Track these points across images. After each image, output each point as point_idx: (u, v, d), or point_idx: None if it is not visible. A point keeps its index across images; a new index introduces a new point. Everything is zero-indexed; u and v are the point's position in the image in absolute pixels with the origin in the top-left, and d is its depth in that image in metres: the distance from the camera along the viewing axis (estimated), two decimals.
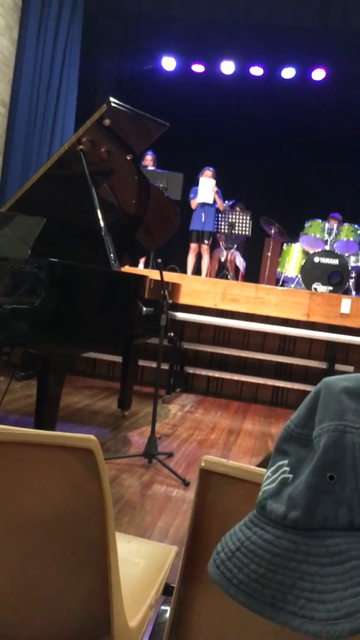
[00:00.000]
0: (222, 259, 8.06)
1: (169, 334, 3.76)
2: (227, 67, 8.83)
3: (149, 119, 3.74)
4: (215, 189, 7.46)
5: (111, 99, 3.37)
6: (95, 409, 4.86)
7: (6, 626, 0.87)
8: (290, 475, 0.52)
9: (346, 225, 7.18)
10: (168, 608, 0.94)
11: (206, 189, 7.42)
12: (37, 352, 3.05)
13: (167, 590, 1.12)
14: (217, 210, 7.60)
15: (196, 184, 7.58)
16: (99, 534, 0.82)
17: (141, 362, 5.22)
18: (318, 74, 8.73)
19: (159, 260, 3.36)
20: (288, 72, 8.79)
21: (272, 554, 0.48)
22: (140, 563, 1.15)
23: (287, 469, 0.53)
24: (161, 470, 3.42)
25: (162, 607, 1.07)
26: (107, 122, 3.43)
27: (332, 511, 0.47)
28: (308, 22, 7.38)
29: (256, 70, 8.90)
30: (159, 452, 3.52)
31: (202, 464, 0.75)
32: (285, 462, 0.54)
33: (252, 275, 8.77)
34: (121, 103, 3.44)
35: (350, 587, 0.44)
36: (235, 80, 8.95)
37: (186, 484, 3.23)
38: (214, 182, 7.46)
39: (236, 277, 8.17)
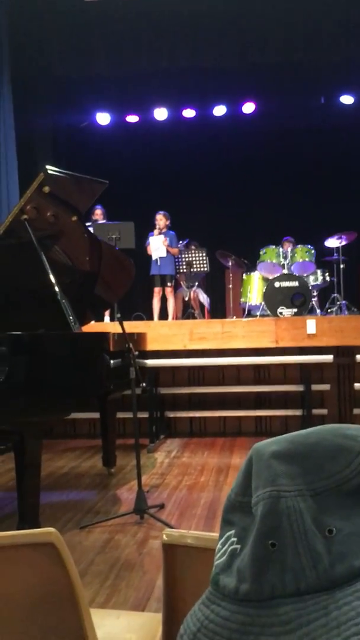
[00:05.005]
0: (186, 298, 8.12)
1: (141, 384, 3.75)
2: (160, 113, 9.08)
3: (87, 180, 3.80)
4: (166, 242, 7.56)
5: (47, 167, 3.43)
6: (81, 471, 4.78)
7: None
8: (238, 546, 0.53)
9: (300, 247, 7.33)
10: None
11: (157, 245, 7.56)
12: (8, 427, 3.01)
13: None
14: (173, 255, 7.70)
15: (152, 228, 7.67)
16: (74, 620, 0.81)
17: (121, 414, 5.17)
18: (248, 107, 9.04)
19: (119, 315, 3.38)
20: (219, 110, 9.08)
21: (230, 630, 0.48)
22: (132, 638, 1.13)
23: (235, 539, 0.54)
24: (154, 524, 3.36)
25: None
26: (46, 189, 3.48)
27: (278, 579, 0.48)
28: (229, 60, 7.66)
29: (188, 113, 9.17)
30: (149, 506, 3.48)
31: (164, 538, 0.75)
32: (232, 532, 0.54)
33: (219, 308, 8.84)
34: (57, 170, 3.50)
35: None
36: (170, 125, 9.21)
37: None
38: (162, 237, 7.56)
39: (202, 314, 8.23)
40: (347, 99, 9.04)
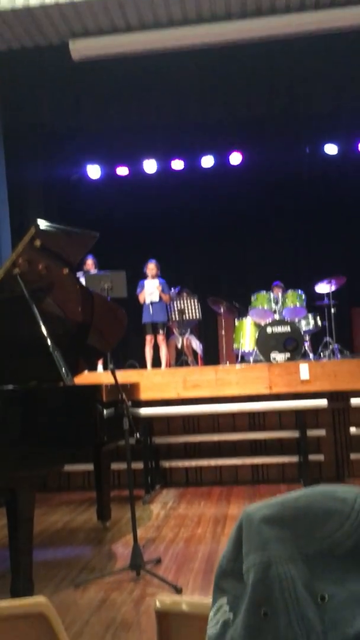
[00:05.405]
0: (179, 346, 8.13)
1: (134, 434, 3.71)
2: (150, 165, 9.28)
3: (78, 233, 3.86)
4: (160, 287, 7.65)
5: (38, 221, 3.48)
6: (75, 526, 4.68)
7: None
8: (231, 615, 0.52)
9: (290, 292, 7.40)
10: None
11: (151, 289, 7.64)
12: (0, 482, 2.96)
13: None
14: (165, 302, 7.77)
15: (143, 277, 7.76)
16: None
17: (115, 466, 5.10)
18: (235, 158, 9.28)
19: (112, 366, 3.38)
20: (207, 161, 9.31)
21: None
22: None
23: (227, 607, 0.53)
24: (151, 581, 3.28)
25: None
26: (38, 243, 3.52)
27: None
28: (215, 114, 7.90)
29: (177, 164, 9.39)
30: (145, 561, 3.39)
31: (157, 605, 0.73)
32: (225, 600, 0.54)
33: (212, 355, 8.83)
34: (48, 224, 3.56)
35: None
36: (160, 176, 9.41)
37: (178, 590, 3.09)
38: (156, 281, 7.66)
39: (196, 360, 8.22)
40: (331, 149, 9.30)
